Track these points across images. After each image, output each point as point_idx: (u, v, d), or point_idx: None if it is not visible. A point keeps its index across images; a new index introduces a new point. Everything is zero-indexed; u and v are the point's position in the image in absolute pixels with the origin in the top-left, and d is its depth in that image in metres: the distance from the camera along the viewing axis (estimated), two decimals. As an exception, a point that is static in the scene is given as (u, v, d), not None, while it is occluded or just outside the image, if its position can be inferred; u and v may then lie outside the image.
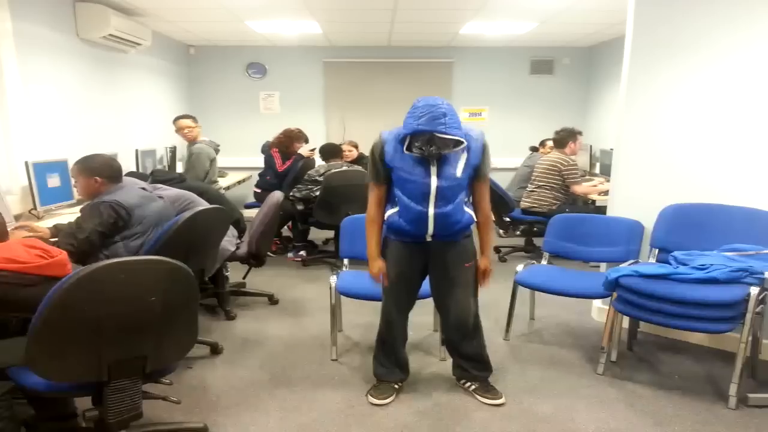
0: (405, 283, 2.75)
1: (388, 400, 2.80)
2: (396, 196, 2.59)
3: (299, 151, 5.60)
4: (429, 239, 2.62)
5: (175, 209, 3.25)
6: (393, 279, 2.72)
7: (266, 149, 5.67)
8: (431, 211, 2.53)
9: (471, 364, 2.87)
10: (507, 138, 7.48)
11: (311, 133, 6.01)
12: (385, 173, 2.59)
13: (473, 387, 2.87)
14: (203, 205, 3.36)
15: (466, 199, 2.63)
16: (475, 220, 2.69)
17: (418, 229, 2.58)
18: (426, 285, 2.83)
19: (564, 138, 5.18)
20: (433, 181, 2.50)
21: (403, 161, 2.52)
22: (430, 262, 2.72)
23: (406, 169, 2.51)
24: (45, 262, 2.08)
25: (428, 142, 2.41)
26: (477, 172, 2.59)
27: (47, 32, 4.19)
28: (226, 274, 4.15)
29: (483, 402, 2.79)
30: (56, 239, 2.81)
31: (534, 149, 6.43)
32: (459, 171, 2.52)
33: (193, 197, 3.51)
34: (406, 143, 2.47)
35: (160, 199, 3.14)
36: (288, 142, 5.55)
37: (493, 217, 2.76)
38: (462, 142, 2.44)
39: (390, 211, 2.65)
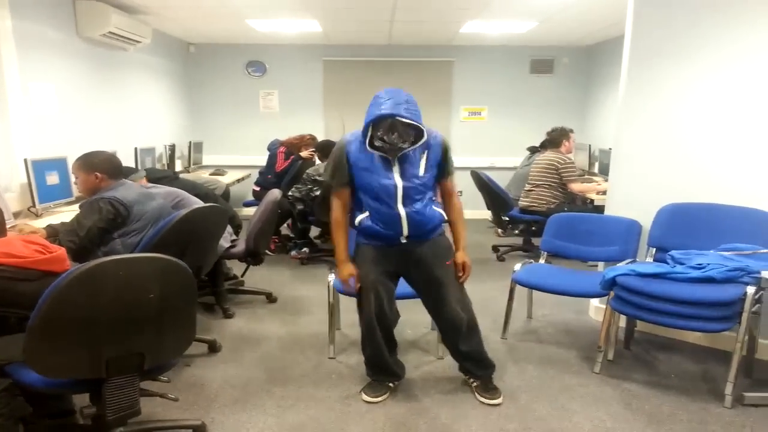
0: (384, 283, 2.68)
1: (380, 398, 2.80)
2: (363, 201, 2.62)
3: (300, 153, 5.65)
4: (404, 241, 2.63)
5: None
6: (373, 280, 2.65)
7: (274, 147, 5.69)
8: (402, 211, 2.55)
9: (472, 364, 2.86)
10: (506, 137, 7.51)
11: (310, 132, 6.03)
12: (349, 175, 2.60)
13: (475, 384, 2.87)
14: (195, 201, 3.36)
15: (434, 198, 2.67)
16: (446, 218, 2.72)
17: (393, 230, 2.59)
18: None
19: (557, 137, 5.32)
20: (397, 181, 2.54)
21: (366, 160, 2.55)
22: (409, 264, 2.70)
23: (369, 168, 2.54)
24: (43, 257, 2.09)
25: (390, 129, 2.42)
26: (441, 170, 2.65)
27: (47, 30, 4.19)
28: (227, 272, 4.15)
29: (480, 401, 2.79)
30: (54, 238, 2.82)
31: (534, 150, 6.25)
32: (421, 170, 2.57)
33: (184, 194, 3.52)
34: (369, 135, 2.48)
35: (159, 197, 3.15)
36: (298, 145, 5.63)
37: (463, 212, 2.78)
38: (421, 133, 2.48)
39: (361, 216, 2.64)
